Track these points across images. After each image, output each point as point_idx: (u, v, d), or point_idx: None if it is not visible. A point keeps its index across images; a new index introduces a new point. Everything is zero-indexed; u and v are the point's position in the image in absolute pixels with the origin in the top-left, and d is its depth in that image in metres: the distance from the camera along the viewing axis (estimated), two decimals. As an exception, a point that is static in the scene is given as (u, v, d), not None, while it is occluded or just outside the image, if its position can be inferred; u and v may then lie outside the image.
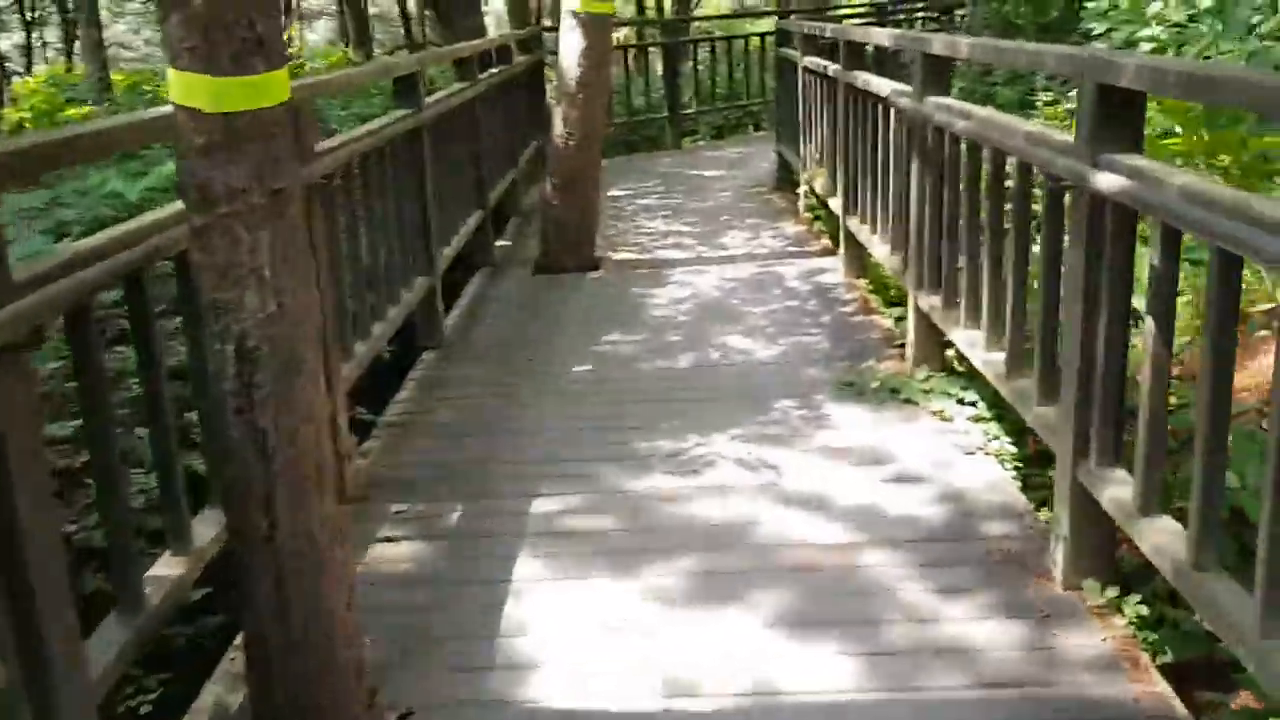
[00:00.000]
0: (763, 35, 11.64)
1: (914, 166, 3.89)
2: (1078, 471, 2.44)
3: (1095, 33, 6.38)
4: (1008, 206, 3.08)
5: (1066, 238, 2.49)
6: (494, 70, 7.01)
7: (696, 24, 13.70)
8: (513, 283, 5.93)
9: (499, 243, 6.95)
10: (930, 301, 3.80)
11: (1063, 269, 2.52)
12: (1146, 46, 5.98)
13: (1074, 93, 6.02)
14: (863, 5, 13.82)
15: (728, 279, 5.67)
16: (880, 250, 4.67)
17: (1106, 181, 2.17)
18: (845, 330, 4.68)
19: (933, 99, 3.69)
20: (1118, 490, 2.29)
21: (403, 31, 20.83)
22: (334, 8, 29.43)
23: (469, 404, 4.04)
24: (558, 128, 5.90)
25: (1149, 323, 2.11)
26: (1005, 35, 7.78)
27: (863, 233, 5.07)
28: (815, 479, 3.18)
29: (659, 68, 13.04)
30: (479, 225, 6.08)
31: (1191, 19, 6.11)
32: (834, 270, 5.66)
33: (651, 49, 11.71)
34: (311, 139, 3.12)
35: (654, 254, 6.40)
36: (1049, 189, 2.65)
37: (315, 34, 34.70)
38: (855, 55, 5.23)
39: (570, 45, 5.75)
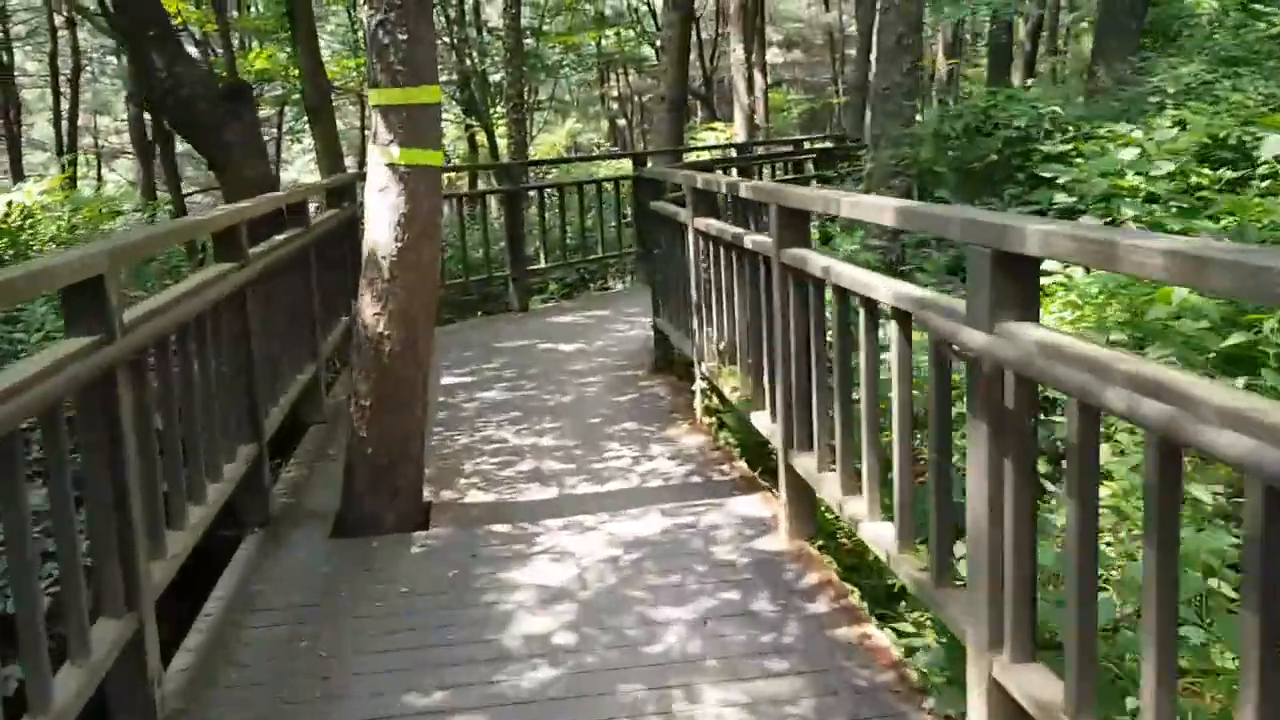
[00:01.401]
0: (616, 180, 10.22)
1: (982, 432, 2.25)
2: None
3: (1060, 182, 5.08)
4: None
5: None
6: (282, 237, 5.17)
7: (536, 168, 12.29)
8: (297, 561, 3.95)
9: (287, 473, 4.99)
10: (1038, 693, 2.10)
11: None
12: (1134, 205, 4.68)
13: (1085, 274, 4.59)
14: (716, 146, 12.71)
15: (622, 544, 3.88)
16: (879, 533, 2.98)
17: None
18: (829, 663, 2.94)
19: (1023, 330, 2.08)
20: None
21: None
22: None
23: None
24: (367, 323, 4.07)
25: None
26: (922, 186, 6.48)
27: (827, 485, 3.40)
28: None
29: (495, 211, 11.51)
30: (250, 470, 4.13)
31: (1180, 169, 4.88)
32: (771, 526, 3.96)
33: (489, 195, 10.10)
34: None
35: (507, 492, 4.57)
36: None
37: (117, 173, 31.91)
38: (797, 227, 3.66)
39: (383, 209, 3.98)
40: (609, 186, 10.29)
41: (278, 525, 4.30)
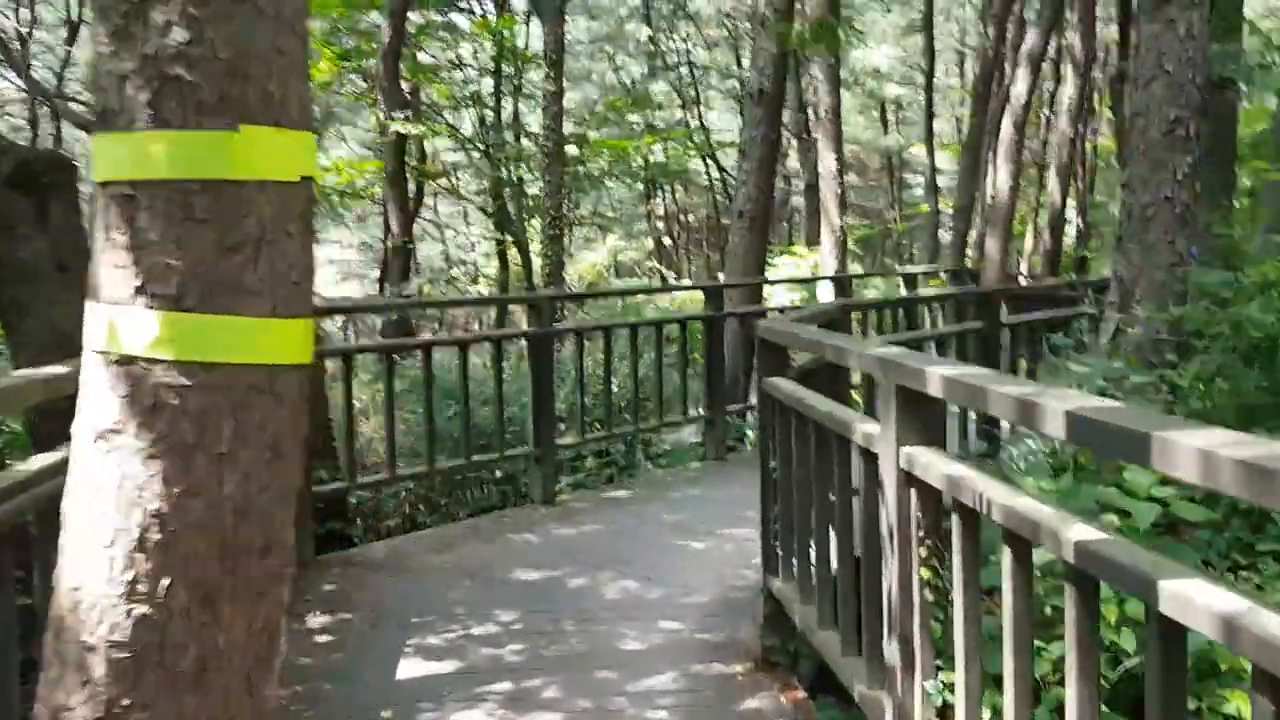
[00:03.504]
0: (683, 320, 7.59)
1: None
2: None
3: None
4: None
5: None
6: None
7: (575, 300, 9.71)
8: None
9: None
10: None
11: None
12: None
13: None
14: (806, 279, 10.12)
15: None
16: None
17: None
18: None
19: None
20: None
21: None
22: None
23: None
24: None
25: None
26: (1231, 366, 3.76)
27: None
28: None
29: (493, 349, 8.89)
30: None
31: None
32: None
33: (505, 340, 7.44)
34: None
35: None
36: None
37: None
38: None
39: (99, 515, 1.29)
40: (672, 328, 7.64)
41: None
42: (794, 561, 3.63)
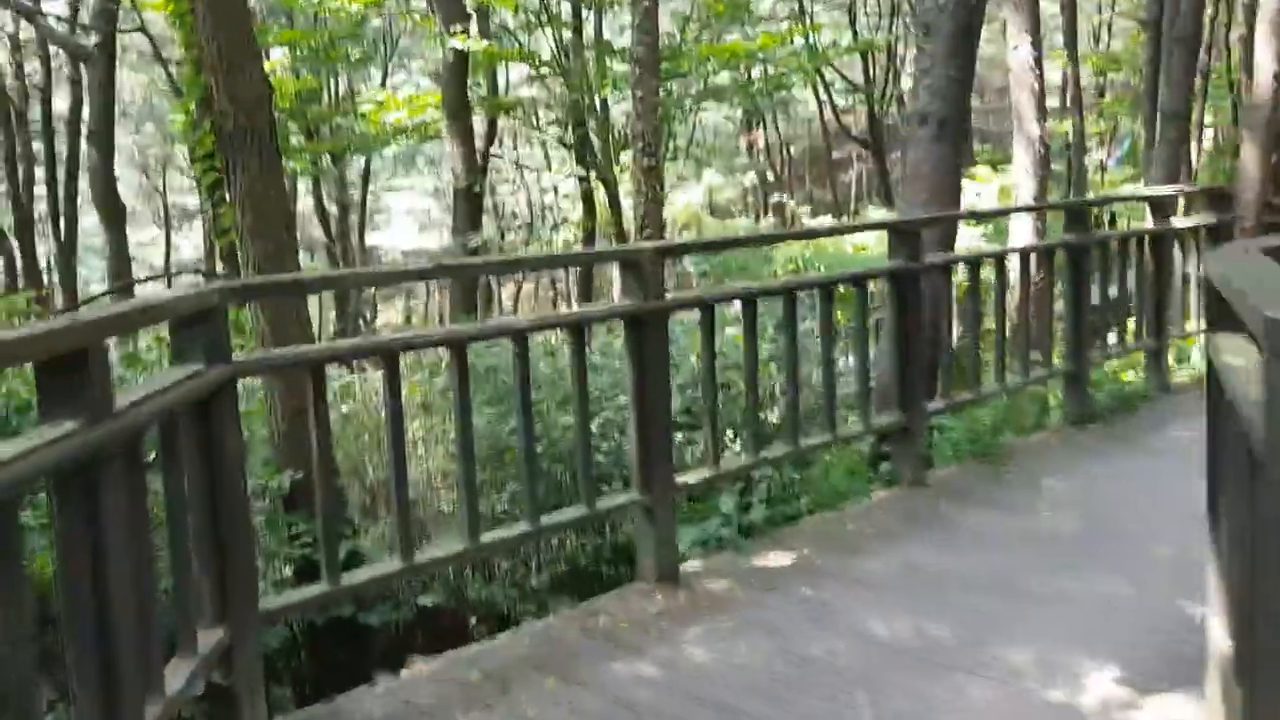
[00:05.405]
0: (861, 279, 4.98)
1: None
2: None
3: None
4: None
5: None
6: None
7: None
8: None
9: None
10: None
11: None
12: None
13: None
14: (1025, 208, 7.38)
15: None
16: None
17: None
18: None
19: None
20: None
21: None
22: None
23: None
24: None
25: None
26: None
27: None
28: None
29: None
30: None
31: None
32: None
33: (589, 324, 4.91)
34: None
35: None
36: None
37: (192, 240, 28.11)
38: None
39: None
40: (844, 290, 5.04)
41: None
42: None
